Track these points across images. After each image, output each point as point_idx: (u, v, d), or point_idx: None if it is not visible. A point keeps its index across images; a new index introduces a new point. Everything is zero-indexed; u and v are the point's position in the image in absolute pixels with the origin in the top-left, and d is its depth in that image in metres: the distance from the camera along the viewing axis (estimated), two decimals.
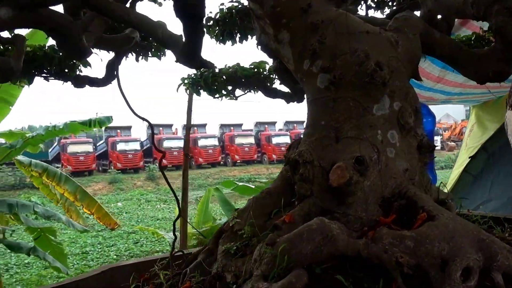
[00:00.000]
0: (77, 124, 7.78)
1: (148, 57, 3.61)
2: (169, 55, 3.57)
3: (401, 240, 1.95)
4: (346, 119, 2.38)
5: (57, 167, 27.93)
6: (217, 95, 4.12)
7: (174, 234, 3.13)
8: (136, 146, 31.45)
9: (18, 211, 6.76)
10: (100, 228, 11.23)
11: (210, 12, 3.82)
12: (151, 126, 3.55)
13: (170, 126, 35.67)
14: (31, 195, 20.13)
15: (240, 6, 3.73)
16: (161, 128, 32.93)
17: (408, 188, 2.22)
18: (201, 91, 4.10)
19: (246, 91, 3.98)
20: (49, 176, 8.14)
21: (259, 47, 2.94)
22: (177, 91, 4.04)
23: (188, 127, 7.27)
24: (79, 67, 3.22)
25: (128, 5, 2.96)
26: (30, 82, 3.07)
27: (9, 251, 8.50)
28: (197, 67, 3.41)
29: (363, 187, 2.20)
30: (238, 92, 4.00)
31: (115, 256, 10.67)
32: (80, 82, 3.20)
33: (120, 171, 28.39)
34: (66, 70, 3.13)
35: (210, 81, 3.86)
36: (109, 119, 8.12)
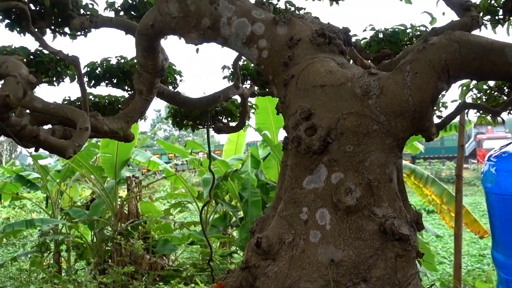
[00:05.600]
0: None
1: None
2: None
3: None
4: (285, 191, 2.11)
5: (473, 163, 28.19)
6: None
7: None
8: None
9: None
10: (470, 235, 10.61)
11: None
12: None
13: None
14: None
15: None
16: None
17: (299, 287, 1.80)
18: None
19: None
20: (416, 178, 8.49)
21: None
22: None
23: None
24: None
25: None
26: None
27: None
28: None
29: (266, 273, 1.96)
30: None
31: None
32: None
33: None
34: None
35: None
36: None
